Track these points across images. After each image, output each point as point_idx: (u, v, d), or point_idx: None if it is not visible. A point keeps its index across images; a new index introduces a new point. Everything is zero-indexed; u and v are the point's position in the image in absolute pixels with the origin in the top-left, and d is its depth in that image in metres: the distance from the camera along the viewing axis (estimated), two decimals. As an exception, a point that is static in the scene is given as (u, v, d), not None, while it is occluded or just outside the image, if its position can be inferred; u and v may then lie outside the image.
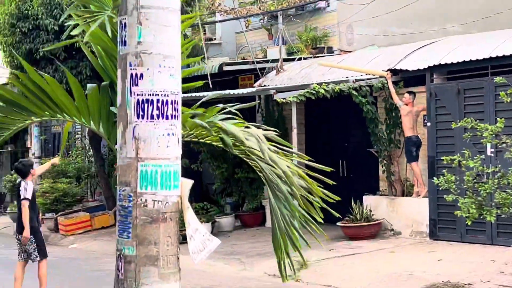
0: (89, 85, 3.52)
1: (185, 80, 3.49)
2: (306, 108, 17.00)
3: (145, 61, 3.09)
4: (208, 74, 14.21)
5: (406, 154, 13.79)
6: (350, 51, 17.72)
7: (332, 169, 4.84)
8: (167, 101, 3.12)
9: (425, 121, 13.70)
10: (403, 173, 14.34)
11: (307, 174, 3.97)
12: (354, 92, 13.75)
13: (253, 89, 14.79)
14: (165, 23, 3.11)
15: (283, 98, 13.06)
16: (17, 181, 10.35)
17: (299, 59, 17.33)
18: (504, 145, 9.65)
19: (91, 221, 18.56)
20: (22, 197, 9.95)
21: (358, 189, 15.07)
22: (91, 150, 19.87)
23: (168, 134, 3.13)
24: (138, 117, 3.10)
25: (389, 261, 11.75)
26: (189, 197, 3.07)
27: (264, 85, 16.22)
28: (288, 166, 3.55)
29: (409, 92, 13.73)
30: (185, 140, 3.73)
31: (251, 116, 17.77)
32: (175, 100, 3.16)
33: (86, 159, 20.97)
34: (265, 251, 13.62)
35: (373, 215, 14.13)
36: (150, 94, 3.09)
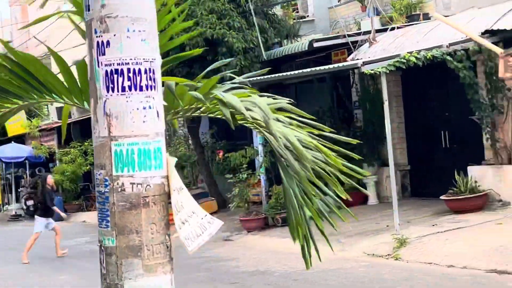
0: (73, 60, 3.22)
1: (182, 49, 3.10)
2: (403, 80, 16.27)
3: (111, 26, 2.74)
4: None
5: None
6: (448, 16, 16.80)
7: (358, 141, 4.32)
8: (139, 70, 2.75)
9: (530, 82, 12.73)
10: (509, 140, 13.41)
11: (332, 149, 3.50)
12: (448, 57, 12.95)
13: (340, 64, 14.22)
14: (132, -20, 2.76)
15: (372, 70, 12.44)
16: None
17: (392, 28, 16.58)
18: None
19: (195, 209, 18.58)
20: None
21: (463, 159, 14.29)
22: (190, 138, 19.91)
23: (144, 108, 2.76)
24: (108, 90, 2.75)
25: (496, 234, 11.01)
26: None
27: (357, 59, 15.61)
28: (299, 138, 3.11)
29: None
30: (186, 115, 3.38)
31: (346, 93, 17.24)
32: (150, 69, 2.79)
33: (188, 147, 21.05)
34: (364, 230, 13.14)
35: (478, 186, 13.32)
36: (120, 64, 2.72)
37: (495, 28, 13.13)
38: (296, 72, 15.23)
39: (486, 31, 13.23)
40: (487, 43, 12.67)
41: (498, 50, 12.54)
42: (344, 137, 3.86)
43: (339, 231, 13.05)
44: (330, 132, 3.59)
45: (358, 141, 4.28)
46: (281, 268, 11.26)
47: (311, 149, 3.30)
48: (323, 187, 3.50)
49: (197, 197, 19.34)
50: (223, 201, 18.76)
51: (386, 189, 16.03)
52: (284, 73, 15.90)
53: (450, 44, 13.22)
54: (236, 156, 17.08)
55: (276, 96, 3.49)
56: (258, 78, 15.28)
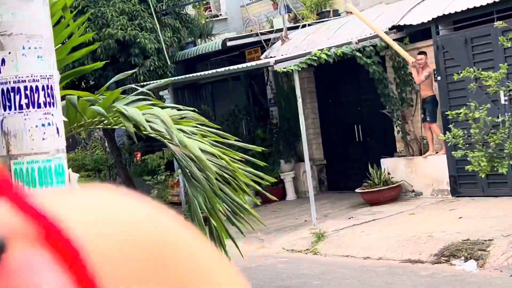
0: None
1: (81, 63, 3.08)
2: (317, 76, 16.52)
3: (5, 44, 2.72)
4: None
5: (430, 116, 13.14)
6: (356, 12, 17.13)
7: (263, 149, 4.42)
8: (37, 87, 2.73)
9: (435, 76, 13.14)
10: (418, 132, 13.82)
11: (242, 158, 3.56)
12: (358, 53, 13.24)
13: (253, 63, 14.34)
14: (25, -2, 2.74)
15: (284, 68, 12.59)
16: None
17: (303, 26, 16.82)
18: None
19: (114, 213, 18.36)
20: None
21: (376, 152, 14.64)
22: (106, 141, 19.67)
23: (43, 125, 2.75)
24: (5, 109, 2.73)
25: (409, 224, 11.33)
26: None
27: (270, 56, 15.76)
28: (202, 149, 3.15)
29: (421, 53, 13.13)
30: (91, 128, 3.38)
31: (261, 90, 17.37)
32: (48, 85, 2.77)
33: (105, 150, 20.79)
34: (283, 225, 13.31)
35: (392, 178, 13.69)
36: (16, 81, 2.71)
37: (401, 23, 13.51)
38: (210, 71, 15.26)
39: (393, 27, 13.59)
40: (401, 50, 13.08)
41: (410, 59, 12.91)
42: (248, 145, 3.93)
43: (259, 229, 13.19)
44: (235, 140, 3.65)
45: (263, 149, 4.37)
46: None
47: (216, 157, 3.35)
48: (230, 194, 3.55)
49: (115, 200, 19.13)
50: (142, 203, 18.60)
51: (303, 184, 16.26)
52: (198, 73, 15.91)
53: (359, 40, 13.52)
54: (154, 158, 16.99)
55: (180, 107, 3.51)
56: (173, 78, 15.25)
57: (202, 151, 3.18)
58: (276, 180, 4.18)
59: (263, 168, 4.28)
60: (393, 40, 13.50)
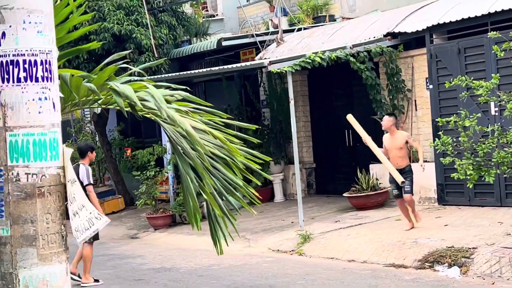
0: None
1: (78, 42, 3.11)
2: (310, 79, 16.59)
3: (7, 17, 2.76)
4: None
5: (410, 187, 11.01)
6: (352, 18, 17.25)
7: (257, 127, 4.45)
8: (35, 61, 2.78)
9: (427, 84, 13.25)
10: (408, 139, 13.87)
11: (235, 136, 3.60)
12: (352, 58, 13.32)
13: (248, 63, 14.39)
14: (28, -27, 2.78)
15: (278, 69, 12.66)
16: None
17: (299, 29, 16.91)
18: (502, 102, 9.21)
19: (101, 206, 18.34)
20: (86, 182, 9.94)
21: (365, 158, 14.69)
22: (96, 135, 19.66)
23: (40, 99, 2.79)
24: (3, 81, 2.77)
25: (395, 230, 11.41)
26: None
27: (265, 58, 15.82)
28: (194, 126, 3.20)
29: (389, 114, 12.02)
30: (85, 107, 3.43)
31: (254, 91, 17.43)
32: (46, 60, 2.82)
33: (95, 144, 20.75)
34: (270, 226, 13.36)
35: (380, 183, 13.77)
36: (15, 55, 2.75)
37: (396, 31, 13.60)
38: (204, 70, 15.31)
39: (388, 34, 13.68)
40: (395, 173, 10.88)
41: (399, 179, 10.77)
42: (242, 123, 3.97)
43: (246, 228, 13.21)
44: (228, 118, 3.69)
45: (256, 126, 4.41)
46: (187, 264, 11.31)
47: (208, 135, 3.38)
48: (223, 170, 3.57)
49: (104, 194, 19.14)
50: (131, 198, 18.64)
51: (292, 186, 16.33)
52: (193, 71, 15.96)
53: (354, 46, 13.60)
54: (144, 154, 16.99)
55: (173, 85, 3.56)
56: (167, 75, 15.29)
57: (194, 128, 3.22)
58: (269, 159, 4.16)
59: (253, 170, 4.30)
60: (387, 46, 13.59)
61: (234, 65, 14.22)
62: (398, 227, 11.60)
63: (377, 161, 14.28)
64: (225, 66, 14.32)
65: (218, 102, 17.94)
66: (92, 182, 10.16)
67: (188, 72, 15.91)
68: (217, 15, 21.28)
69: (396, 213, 12.75)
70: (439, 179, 12.91)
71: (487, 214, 11.60)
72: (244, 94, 18.28)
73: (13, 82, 2.77)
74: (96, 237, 9.86)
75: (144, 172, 15.56)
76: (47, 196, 2.80)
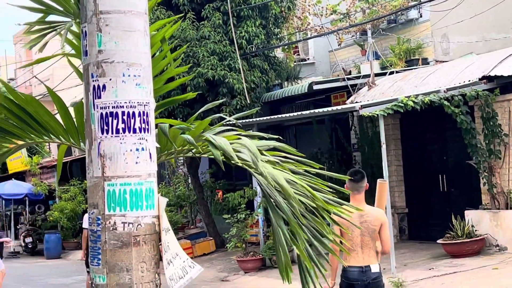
0: (71, 101, 3.32)
1: (175, 93, 3.18)
2: (403, 123, 16.39)
3: (107, 70, 2.85)
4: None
5: None
6: (446, 61, 17.00)
7: (350, 178, 4.39)
8: (133, 113, 2.85)
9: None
10: (505, 185, 13.47)
11: (330, 187, 3.57)
12: (446, 102, 13.07)
13: (339, 107, 14.35)
14: (128, 28, 2.86)
15: (370, 113, 12.56)
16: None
17: (391, 72, 16.76)
18: None
19: (192, 248, 18.54)
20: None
21: (460, 203, 14.34)
22: (189, 177, 19.97)
23: (137, 150, 2.86)
24: (102, 132, 2.86)
25: (492, 279, 11.01)
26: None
27: (356, 102, 15.76)
28: (287, 179, 3.19)
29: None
30: (180, 156, 3.48)
31: (344, 135, 17.35)
32: (144, 112, 2.89)
33: (187, 186, 21.09)
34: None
35: (476, 230, 13.34)
36: (114, 107, 2.83)
37: (492, 74, 13.30)
38: (295, 113, 15.37)
39: (483, 77, 13.39)
40: None
41: None
42: (333, 174, 3.94)
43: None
44: (320, 168, 3.67)
45: (348, 177, 4.34)
46: (277, 309, 11.23)
47: (301, 190, 3.37)
48: (312, 222, 3.53)
49: (195, 236, 19.37)
50: (221, 241, 18.76)
51: (384, 232, 16.01)
52: (284, 115, 16.05)
53: (448, 89, 13.36)
54: (234, 196, 17.11)
55: (264, 135, 3.58)
56: (258, 119, 15.44)
57: (287, 181, 3.21)
58: (361, 210, 4.06)
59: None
60: (483, 90, 13.29)
61: (325, 109, 14.21)
62: (495, 276, 11.19)
63: (473, 207, 13.94)
64: (316, 110, 14.33)
65: (308, 145, 17.96)
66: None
67: (279, 116, 16.01)
68: (308, 59, 21.41)
69: (493, 261, 12.34)
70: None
71: None
72: (335, 137, 18.22)
73: (112, 133, 2.85)
74: None
75: (235, 215, 15.66)
76: (142, 245, 2.84)
